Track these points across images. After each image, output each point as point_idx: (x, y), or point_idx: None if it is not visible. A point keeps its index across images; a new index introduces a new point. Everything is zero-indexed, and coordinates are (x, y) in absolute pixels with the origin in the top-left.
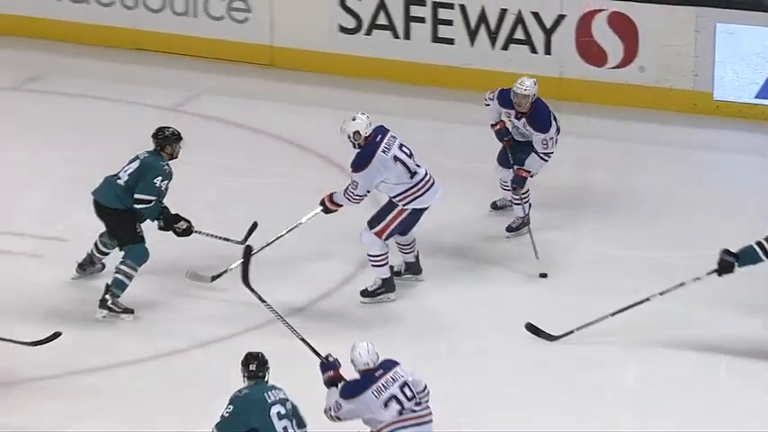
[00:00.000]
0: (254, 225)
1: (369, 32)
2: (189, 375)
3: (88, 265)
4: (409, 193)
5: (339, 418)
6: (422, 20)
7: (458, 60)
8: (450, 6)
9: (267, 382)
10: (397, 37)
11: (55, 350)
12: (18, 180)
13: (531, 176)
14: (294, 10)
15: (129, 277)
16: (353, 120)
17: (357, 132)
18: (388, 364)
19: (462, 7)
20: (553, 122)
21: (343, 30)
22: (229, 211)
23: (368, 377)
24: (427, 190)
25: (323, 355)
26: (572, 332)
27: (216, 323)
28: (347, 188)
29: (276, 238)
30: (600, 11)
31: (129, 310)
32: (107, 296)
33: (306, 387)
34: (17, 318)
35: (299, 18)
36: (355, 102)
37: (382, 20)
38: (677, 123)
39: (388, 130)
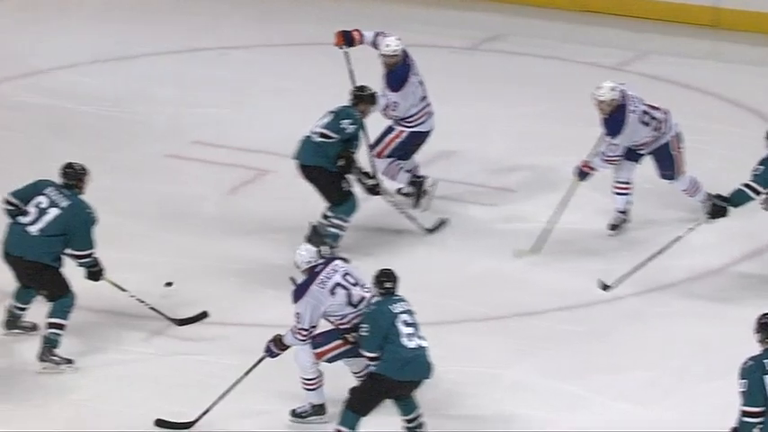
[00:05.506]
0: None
1: None
2: None
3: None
4: (416, 116)
5: (306, 330)
6: None
7: None
8: None
9: (395, 295)
10: None
11: None
12: (474, 133)
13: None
14: None
15: (343, 228)
16: (392, 43)
17: (396, 54)
18: (328, 260)
19: None
20: (624, 132)
21: None
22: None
23: (311, 275)
24: (429, 118)
25: None
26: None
27: None
28: (387, 108)
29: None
30: None
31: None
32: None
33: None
34: None
35: None
36: None
37: None
38: None
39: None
